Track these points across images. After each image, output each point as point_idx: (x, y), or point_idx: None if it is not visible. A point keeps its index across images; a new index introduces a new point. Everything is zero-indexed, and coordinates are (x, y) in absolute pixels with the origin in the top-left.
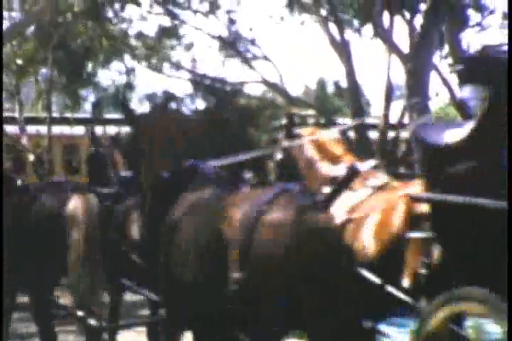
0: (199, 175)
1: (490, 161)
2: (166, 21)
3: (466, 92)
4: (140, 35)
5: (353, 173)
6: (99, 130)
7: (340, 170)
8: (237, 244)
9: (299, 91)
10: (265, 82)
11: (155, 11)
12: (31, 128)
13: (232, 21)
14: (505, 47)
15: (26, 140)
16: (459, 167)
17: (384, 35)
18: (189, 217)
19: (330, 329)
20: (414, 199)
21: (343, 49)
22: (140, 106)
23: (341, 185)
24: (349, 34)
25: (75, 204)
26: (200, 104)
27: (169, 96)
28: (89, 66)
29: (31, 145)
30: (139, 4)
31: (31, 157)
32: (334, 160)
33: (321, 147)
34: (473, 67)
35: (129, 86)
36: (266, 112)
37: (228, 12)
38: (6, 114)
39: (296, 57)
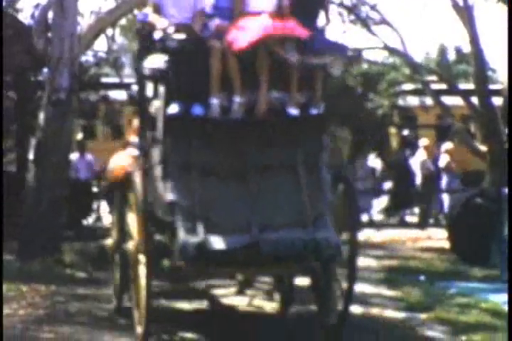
0: None
1: None
2: None
3: None
4: None
5: None
6: None
7: None
8: None
9: (420, 56)
10: (387, 48)
11: None
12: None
13: None
14: None
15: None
16: None
17: None
18: None
19: None
20: None
21: (466, 13)
22: None
23: None
24: None
25: None
26: None
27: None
28: None
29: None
30: None
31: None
32: None
33: None
34: None
35: None
36: (387, 77)
37: None
38: (109, 80)
39: (417, 22)
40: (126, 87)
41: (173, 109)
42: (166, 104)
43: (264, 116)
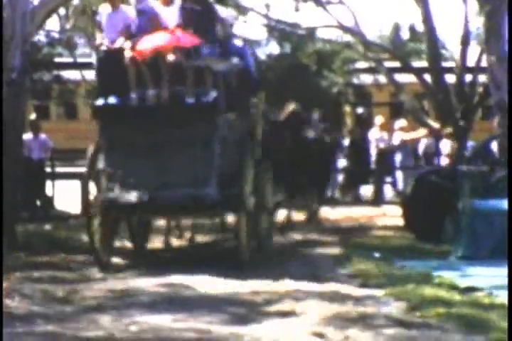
0: None
1: None
2: None
3: None
4: None
5: None
6: None
7: None
8: None
9: (374, 35)
10: (340, 26)
11: None
12: None
13: None
14: None
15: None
16: None
17: None
18: None
19: None
20: None
21: None
22: None
23: None
24: None
25: None
26: (275, 49)
27: (244, 41)
28: None
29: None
30: None
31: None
32: None
33: None
34: None
35: None
36: (341, 55)
37: None
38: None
39: (371, 0)
40: (79, 66)
41: (100, 101)
42: (98, 97)
43: (168, 103)
